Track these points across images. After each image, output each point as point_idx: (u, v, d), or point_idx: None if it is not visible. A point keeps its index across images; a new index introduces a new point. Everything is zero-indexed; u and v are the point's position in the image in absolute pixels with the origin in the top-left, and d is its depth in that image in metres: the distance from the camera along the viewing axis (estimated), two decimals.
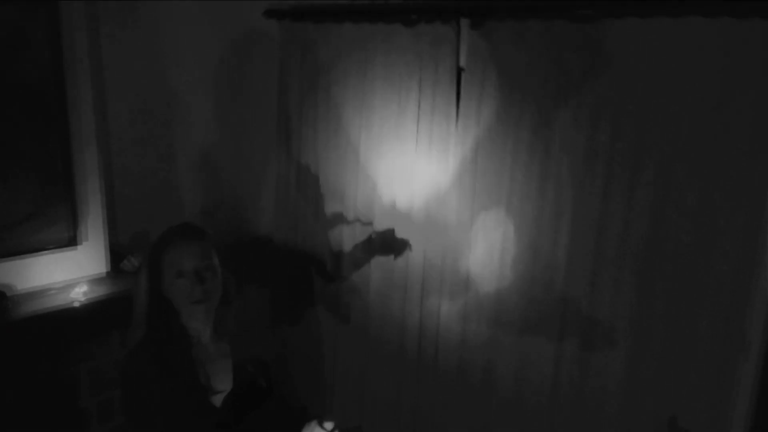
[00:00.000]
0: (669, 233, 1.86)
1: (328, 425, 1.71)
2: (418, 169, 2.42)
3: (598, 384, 2.07)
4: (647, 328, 1.94)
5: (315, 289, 2.88)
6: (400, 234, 2.49)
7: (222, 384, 1.65)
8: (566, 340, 2.11)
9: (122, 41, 2.60)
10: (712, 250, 1.80)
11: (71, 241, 2.23)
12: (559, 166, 2.05)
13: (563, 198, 2.05)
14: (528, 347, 2.21)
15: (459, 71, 2.28)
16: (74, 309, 2.09)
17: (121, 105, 2.64)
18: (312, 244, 2.84)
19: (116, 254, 2.37)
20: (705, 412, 1.87)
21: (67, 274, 2.22)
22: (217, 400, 1.61)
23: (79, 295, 2.14)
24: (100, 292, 2.19)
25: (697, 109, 1.77)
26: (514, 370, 2.25)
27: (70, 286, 2.18)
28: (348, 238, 2.67)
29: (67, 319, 2.07)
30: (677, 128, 1.81)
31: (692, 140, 1.79)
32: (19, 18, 2.02)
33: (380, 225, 2.55)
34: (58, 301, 2.10)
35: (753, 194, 1.72)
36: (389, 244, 2.53)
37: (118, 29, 2.57)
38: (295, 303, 2.99)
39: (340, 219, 2.70)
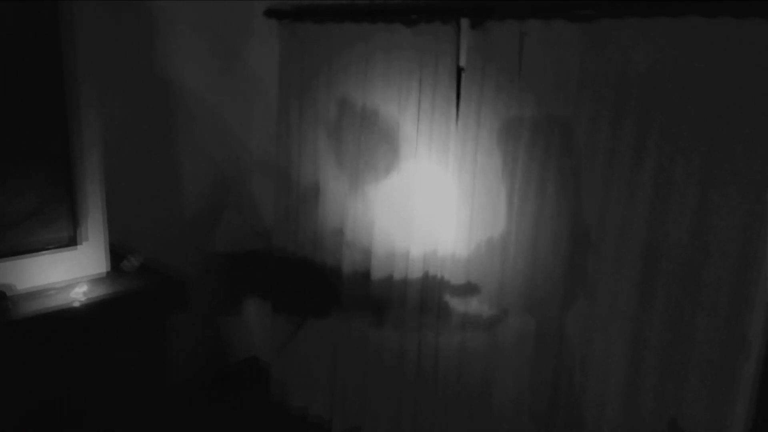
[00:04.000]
0: (669, 233, 1.86)
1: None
2: (418, 169, 2.42)
3: (598, 385, 2.07)
4: (647, 328, 1.94)
5: (315, 291, 2.88)
6: (399, 234, 2.49)
7: None
8: (566, 341, 2.11)
9: (123, 41, 2.61)
10: (712, 250, 1.79)
11: (71, 241, 2.22)
12: (559, 165, 2.05)
13: (563, 198, 2.05)
14: (528, 348, 2.21)
15: (459, 71, 2.28)
16: (74, 309, 2.09)
17: (122, 105, 2.65)
18: (312, 245, 2.84)
19: (116, 254, 2.37)
20: (705, 413, 1.86)
21: (67, 274, 2.22)
22: None
23: (79, 295, 2.14)
24: (100, 292, 2.19)
25: (697, 109, 1.77)
26: (514, 371, 2.25)
27: (70, 286, 2.18)
28: (348, 238, 2.67)
29: (67, 319, 2.07)
30: (677, 128, 1.80)
31: (692, 140, 1.78)
32: (18, 17, 2.02)
33: (380, 225, 2.55)
34: (58, 301, 2.10)
35: (753, 194, 1.71)
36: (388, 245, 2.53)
37: (119, 29, 2.58)
38: (295, 305, 2.99)
39: (339, 220, 2.70)
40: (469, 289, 2.32)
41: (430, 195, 2.40)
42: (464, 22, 2.22)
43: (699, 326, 1.84)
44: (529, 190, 2.12)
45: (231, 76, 3.00)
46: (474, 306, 2.32)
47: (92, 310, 2.12)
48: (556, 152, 2.05)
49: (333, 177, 2.70)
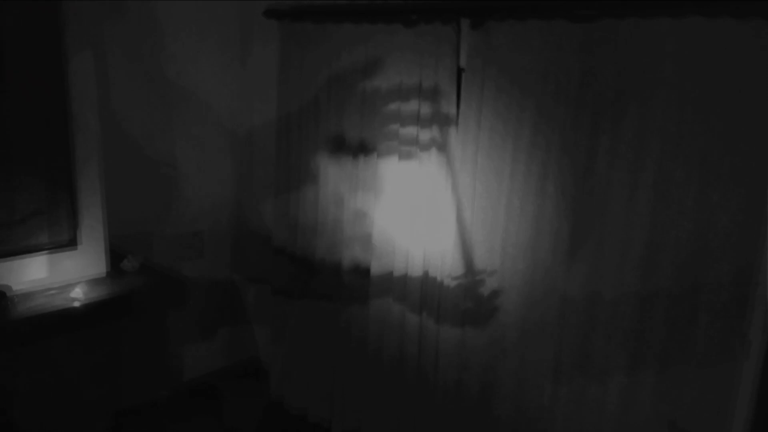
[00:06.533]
0: (669, 233, 1.86)
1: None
2: (418, 170, 2.41)
3: (598, 385, 2.07)
4: (647, 329, 1.94)
5: (314, 292, 2.88)
6: (399, 234, 2.49)
7: None
8: (566, 341, 2.11)
9: (123, 41, 2.61)
10: (712, 250, 1.80)
11: (71, 242, 2.23)
12: (559, 166, 2.05)
13: (563, 198, 2.05)
14: (528, 348, 2.21)
15: (459, 71, 2.28)
16: (74, 309, 2.09)
17: (121, 105, 2.65)
18: (311, 246, 2.84)
19: (116, 254, 2.38)
20: (705, 413, 1.86)
21: (67, 274, 2.22)
22: None
23: (79, 295, 2.14)
24: (100, 292, 2.20)
25: (697, 109, 1.77)
26: (514, 371, 2.25)
27: (69, 286, 2.18)
28: (348, 239, 2.67)
29: (67, 319, 2.07)
30: (677, 128, 1.81)
31: (692, 140, 1.78)
32: (19, 17, 2.02)
33: (380, 226, 2.55)
34: (58, 301, 2.10)
35: (752, 194, 1.72)
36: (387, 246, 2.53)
37: (119, 29, 2.58)
38: (294, 306, 2.99)
39: (339, 219, 2.70)
40: (468, 289, 2.32)
41: (430, 196, 2.40)
42: (464, 23, 2.22)
43: (699, 326, 1.84)
44: (529, 190, 2.12)
45: (231, 75, 3.00)
46: (473, 306, 2.32)
47: (92, 311, 2.12)
48: (556, 152, 2.05)
49: (333, 176, 2.70)
